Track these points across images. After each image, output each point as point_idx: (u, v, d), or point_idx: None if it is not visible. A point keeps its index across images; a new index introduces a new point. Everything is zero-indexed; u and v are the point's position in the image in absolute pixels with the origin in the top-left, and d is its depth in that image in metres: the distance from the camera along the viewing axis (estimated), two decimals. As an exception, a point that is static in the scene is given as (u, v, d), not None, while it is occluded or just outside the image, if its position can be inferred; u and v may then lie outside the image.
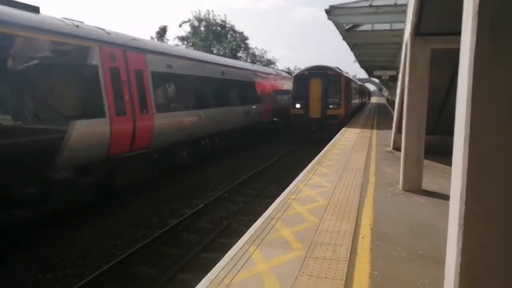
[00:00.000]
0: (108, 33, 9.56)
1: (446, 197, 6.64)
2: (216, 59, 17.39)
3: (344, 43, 20.57)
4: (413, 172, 7.11)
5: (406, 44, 8.00)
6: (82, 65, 8.41)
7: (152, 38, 43.75)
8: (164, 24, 49.83)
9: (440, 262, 4.05)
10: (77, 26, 8.64)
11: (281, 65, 67.54)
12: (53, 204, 7.89)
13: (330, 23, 15.12)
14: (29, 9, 7.67)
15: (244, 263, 4.04)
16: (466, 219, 2.08)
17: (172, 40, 46.10)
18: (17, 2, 7.54)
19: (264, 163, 15.10)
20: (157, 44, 16.72)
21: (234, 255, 4.24)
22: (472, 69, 2.05)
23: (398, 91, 11.66)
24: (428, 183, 7.38)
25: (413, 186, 7.01)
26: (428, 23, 6.87)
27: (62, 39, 7.91)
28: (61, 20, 8.45)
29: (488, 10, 1.97)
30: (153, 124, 10.54)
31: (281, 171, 13.96)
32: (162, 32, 42.26)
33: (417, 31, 7.02)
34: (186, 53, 14.89)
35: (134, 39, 10.72)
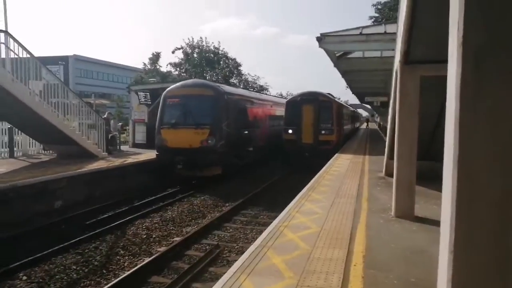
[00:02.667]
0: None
1: (438, 223, 6.58)
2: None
3: (336, 69, 21.01)
4: (405, 198, 7.10)
5: (396, 72, 8.15)
6: None
7: (145, 64, 44.36)
8: (158, 51, 50.65)
9: (433, 290, 4.01)
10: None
11: (273, 91, 68.41)
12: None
13: (322, 50, 15.48)
14: None
15: (234, 293, 3.95)
16: (456, 245, 2.07)
17: (165, 66, 46.75)
18: None
19: (256, 188, 15.02)
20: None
21: (224, 284, 4.14)
22: (458, 97, 2.09)
23: (389, 117, 11.81)
24: (420, 209, 7.36)
25: (406, 213, 6.99)
26: (417, 51, 7.03)
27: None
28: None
29: (473, 41, 2.03)
30: None
31: (277, 196, 13.87)
32: (155, 59, 42.86)
33: (406, 59, 7.17)
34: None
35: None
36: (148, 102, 20.47)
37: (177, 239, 9.24)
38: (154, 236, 9.56)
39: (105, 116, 18.66)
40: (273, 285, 4.15)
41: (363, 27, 15.73)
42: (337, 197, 8.70)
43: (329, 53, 16.79)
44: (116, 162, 14.93)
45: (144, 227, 10.19)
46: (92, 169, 13.15)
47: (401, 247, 5.42)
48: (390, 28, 14.36)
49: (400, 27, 7.44)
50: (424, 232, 6.17)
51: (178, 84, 16.62)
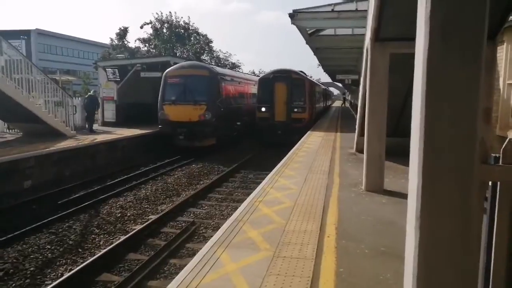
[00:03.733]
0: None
1: (406, 196, 6.88)
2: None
3: (308, 47, 21.04)
4: (375, 172, 7.38)
5: (367, 49, 8.31)
6: None
7: (112, 39, 42.92)
8: (125, 25, 48.99)
9: (400, 257, 4.23)
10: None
11: (246, 69, 67.90)
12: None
13: (294, 27, 15.45)
14: None
15: (212, 265, 4.07)
16: (422, 213, 2.22)
17: (133, 42, 45.38)
18: None
19: (230, 166, 15.16)
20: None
21: (201, 258, 4.24)
22: (425, 70, 2.19)
23: (360, 94, 12.05)
24: (389, 183, 7.67)
25: (375, 186, 7.27)
26: (387, 28, 7.17)
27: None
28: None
29: (439, 15, 2.13)
30: None
31: (248, 176, 14.05)
32: (123, 34, 41.49)
33: (376, 36, 7.32)
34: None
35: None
36: (117, 79, 19.95)
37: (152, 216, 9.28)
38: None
39: (91, 93, 18.39)
40: (250, 256, 4.29)
41: (335, 4, 15.74)
42: (310, 173, 8.92)
43: (302, 30, 16.78)
44: (86, 140, 14.61)
45: (118, 206, 10.16)
46: (60, 148, 12.83)
47: (371, 219, 5.68)
48: (361, 5, 14.44)
49: (371, 4, 7.54)
50: (393, 204, 6.46)
51: (177, 65, 18.65)
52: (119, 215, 9.57)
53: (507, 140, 2.46)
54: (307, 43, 19.48)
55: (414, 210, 2.30)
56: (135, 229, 8.38)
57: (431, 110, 2.19)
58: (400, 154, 9.76)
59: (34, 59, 52.44)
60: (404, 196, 6.86)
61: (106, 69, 19.70)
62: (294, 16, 14.43)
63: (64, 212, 9.29)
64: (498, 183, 2.41)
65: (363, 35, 13.18)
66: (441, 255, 2.23)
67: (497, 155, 2.44)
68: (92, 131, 17.71)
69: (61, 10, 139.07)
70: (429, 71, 2.18)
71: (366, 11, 11.85)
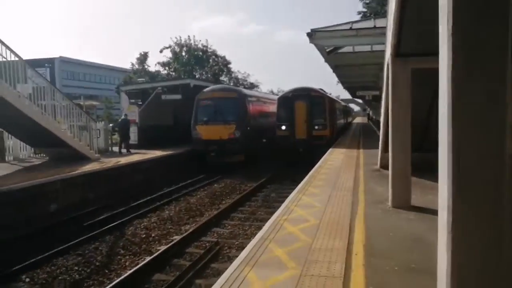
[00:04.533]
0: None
1: (434, 212, 6.74)
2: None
3: (327, 65, 21.14)
4: (401, 188, 7.25)
5: (388, 65, 8.29)
6: None
7: (133, 64, 44.19)
8: (145, 50, 50.38)
9: (430, 273, 4.11)
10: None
11: (264, 88, 68.50)
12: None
13: (312, 46, 15.60)
14: None
15: (240, 285, 4.04)
16: (453, 226, 2.18)
17: (153, 66, 46.54)
18: None
19: (251, 185, 15.20)
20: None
21: (229, 277, 4.23)
22: (450, 87, 2.20)
23: (382, 110, 11.95)
24: (416, 199, 7.49)
25: (402, 203, 7.13)
26: (407, 44, 7.16)
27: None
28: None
29: (461, 31, 2.14)
30: None
31: (271, 194, 14.03)
32: (143, 59, 42.65)
33: (397, 52, 7.31)
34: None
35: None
36: (139, 102, 20.44)
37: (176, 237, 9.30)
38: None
39: (123, 117, 19.27)
40: (277, 275, 4.25)
41: (353, 22, 15.89)
42: (334, 190, 8.83)
43: (320, 49, 16.92)
44: (109, 163, 14.92)
45: (142, 227, 10.27)
46: (85, 171, 13.14)
47: (399, 236, 5.56)
48: (379, 22, 14.52)
49: (390, 21, 7.56)
50: (421, 220, 6.31)
51: (208, 88, 20.52)
52: (144, 236, 9.66)
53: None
54: (326, 61, 19.60)
55: (445, 224, 2.27)
56: (159, 249, 8.43)
57: (458, 126, 2.19)
58: (427, 169, 9.60)
59: (58, 86, 54.35)
60: (432, 212, 6.72)
61: (128, 92, 20.21)
62: (312, 35, 14.60)
63: (90, 234, 9.43)
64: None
65: (382, 51, 13.16)
66: (474, 267, 2.18)
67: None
68: (129, 151, 18.67)
69: (83, 37, 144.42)
70: (454, 88, 2.18)
71: (384, 27, 11.88)
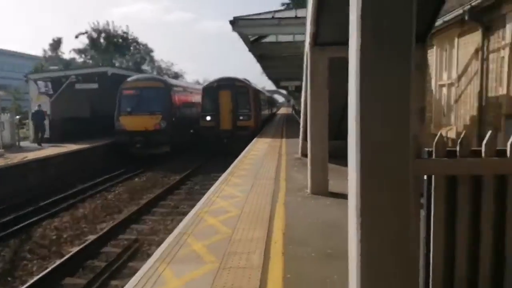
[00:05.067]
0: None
1: (350, 197, 7.08)
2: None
3: (251, 55, 21.17)
4: (319, 175, 7.44)
5: (307, 54, 8.43)
6: None
7: (45, 51, 40.73)
8: (59, 36, 46.50)
9: (346, 258, 4.23)
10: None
11: (189, 78, 67.22)
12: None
13: (237, 36, 15.45)
14: None
15: (154, 283, 3.78)
16: (362, 211, 2.17)
17: (68, 53, 43.26)
18: None
19: (174, 178, 14.78)
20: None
21: (142, 276, 3.95)
22: (359, 72, 2.19)
23: (302, 99, 12.25)
24: (334, 185, 7.68)
25: (320, 189, 7.32)
26: (324, 33, 7.31)
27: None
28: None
29: (369, 19, 2.13)
30: None
31: (194, 187, 13.75)
32: (56, 45, 39.38)
33: (315, 41, 7.43)
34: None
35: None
36: (50, 92, 18.74)
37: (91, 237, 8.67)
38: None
39: (37, 108, 17.83)
40: (195, 271, 4.06)
41: (275, 11, 15.98)
42: (256, 180, 8.83)
43: (243, 37, 16.81)
44: (15, 159, 13.51)
45: (53, 228, 9.43)
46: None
47: (317, 222, 5.66)
48: (300, 12, 14.76)
49: (309, 10, 7.67)
50: (337, 206, 6.50)
51: (133, 77, 19.93)
52: (54, 237, 8.88)
53: (438, 134, 2.50)
54: (249, 50, 19.56)
55: (354, 208, 2.26)
56: (71, 251, 7.78)
57: (365, 110, 2.19)
58: (343, 157, 10.05)
59: (-43, 75, 48.32)
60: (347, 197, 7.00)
61: (38, 81, 18.42)
62: (235, 23, 14.42)
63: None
64: (433, 176, 2.44)
65: (304, 41, 13.48)
66: (382, 251, 2.20)
67: (430, 149, 2.48)
68: (40, 145, 17.37)
69: None
70: (362, 73, 2.18)
71: (305, 17, 12.13)
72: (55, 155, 15.18)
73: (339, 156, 8.97)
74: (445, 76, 10.31)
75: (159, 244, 7.86)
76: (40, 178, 13.69)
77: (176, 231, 5.41)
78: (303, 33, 13.12)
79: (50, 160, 14.72)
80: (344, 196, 7.01)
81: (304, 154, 12.02)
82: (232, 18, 14.15)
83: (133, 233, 9.05)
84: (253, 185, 8.30)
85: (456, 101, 9.52)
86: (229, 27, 14.31)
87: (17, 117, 18.26)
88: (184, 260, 4.37)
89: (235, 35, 15.10)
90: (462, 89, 9.13)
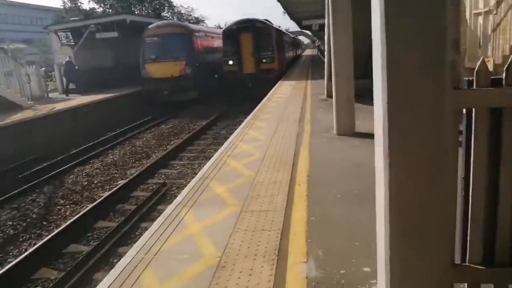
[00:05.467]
0: None
1: (378, 137, 6.78)
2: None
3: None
4: (345, 115, 7.13)
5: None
6: None
7: (64, 2, 40.39)
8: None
9: (373, 198, 4.07)
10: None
11: (211, 23, 65.44)
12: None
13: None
14: None
15: (176, 227, 3.78)
16: (391, 149, 1.94)
17: (87, 3, 42.62)
18: None
19: (202, 123, 14.79)
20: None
21: (164, 221, 3.95)
22: (383, 11, 1.84)
23: (325, 37, 11.60)
24: (361, 125, 7.39)
25: (347, 130, 7.05)
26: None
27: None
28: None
29: None
30: None
31: (221, 132, 13.73)
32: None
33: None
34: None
35: None
36: (71, 43, 18.63)
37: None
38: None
39: (67, 59, 18.13)
40: (216, 214, 4.02)
41: None
42: (280, 123, 8.62)
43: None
44: (44, 110, 13.76)
45: (84, 174, 9.72)
46: (15, 120, 12.03)
47: (343, 163, 5.48)
48: None
49: None
50: (364, 146, 6.26)
51: (154, 24, 19.50)
52: (86, 183, 9.17)
53: (480, 61, 2.15)
54: (269, -12, 18.56)
55: (382, 146, 2.02)
56: (102, 196, 8.02)
57: (391, 28, 1.86)
58: (371, 96, 9.63)
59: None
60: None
61: (58, 33, 18.26)
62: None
63: (26, 186, 8.79)
64: (474, 110, 2.13)
65: None
66: (412, 190, 1.98)
67: (470, 78, 2.15)
68: (67, 95, 18.00)
69: None
70: (386, 12, 1.83)
71: None
72: (83, 105, 15.38)
73: (365, 96, 8.63)
74: (481, 3, 9.37)
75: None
76: (70, 128, 13.98)
77: (198, 175, 5.38)
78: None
79: (78, 110, 14.93)
80: (371, 136, 6.75)
81: (330, 95, 11.61)
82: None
83: (161, 178, 9.19)
84: (276, 128, 8.11)
85: (494, 30, 8.68)
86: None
87: (43, 69, 18.34)
88: (206, 204, 4.33)
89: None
90: (502, 16, 8.29)
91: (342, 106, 7.08)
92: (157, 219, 4.05)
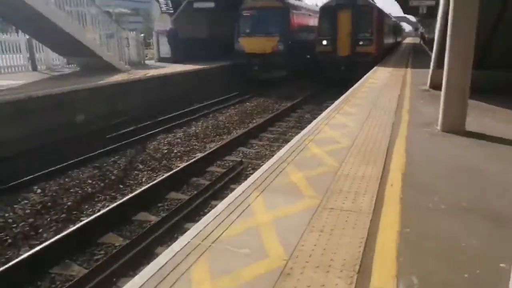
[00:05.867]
0: None
1: (494, 139, 5.56)
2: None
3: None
4: (455, 109, 6.00)
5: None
6: None
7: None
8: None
9: (490, 217, 3.19)
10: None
11: (310, 1, 63.70)
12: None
13: None
14: None
15: (241, 213, 3.30)
16: None
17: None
18: None
19: (286, 104, 14.26)
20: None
21: (230, 203, 3.49)
22: None
23: (438, 22, 10.12)
24: (472, 123, 6.20)
25: (455, 126, 5.93)
26: None
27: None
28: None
29: None
30: None
31: (305, 115, 13.08)
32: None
33: None
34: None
35: None
36: (170, 11, 19.05)
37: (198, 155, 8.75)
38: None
39: (171, 27, 19.12)
40: (289, 205, 3.45)
41: None
42: (373, 110, 7.70)
43: None
44: (138, 75, 14.27)
45: (166, 142, 9.80)
46: (110, 81, 12.59)
47: (449, 165, 4.51)
48: None
49: None
50: (477, 147, 5.18)
51: None
52: (166, 151, 9.21)
53: None
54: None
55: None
56: (179, 166, 7.93)
57: None
58: (487, 90, 8.19)
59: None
60: (490, 139, 5.55)
61: (159, 0, 18.79)
62: None
63: (110, 147, 9.08)
64: None
65: None
66: None
67: None
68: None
69: None
70: None
71: None
72: (174, 73, 15.71)
73: (479, 89, 7.27)
74: None
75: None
76: (159, 95, 14.37)
77: (274, 158, 4.84)
78: None
79: (169, 78, 15.29)
80: (484, 137, 5.62)
81: (434, 86, 10.23)
82: None
83: (238, 155, 8.90)
84: (369, 115, 7.23)
85: None
86: None
87: (142, 35, 19.11)
88: (280, 191, 3.78)
89: None
90: None
91: (453, 98, 5.95)
92: (223, 200, 3.62)
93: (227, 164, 8.28)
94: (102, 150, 8.81)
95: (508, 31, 8.69)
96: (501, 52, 9.22)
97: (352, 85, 11.62)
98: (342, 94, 10.64)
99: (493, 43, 9.32)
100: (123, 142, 9.50)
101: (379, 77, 13.09)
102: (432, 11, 22.31)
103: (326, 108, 9.69)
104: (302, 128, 10.65)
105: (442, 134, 5.87)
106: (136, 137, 9.98)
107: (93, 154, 8.52)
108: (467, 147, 5.22)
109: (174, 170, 7.58)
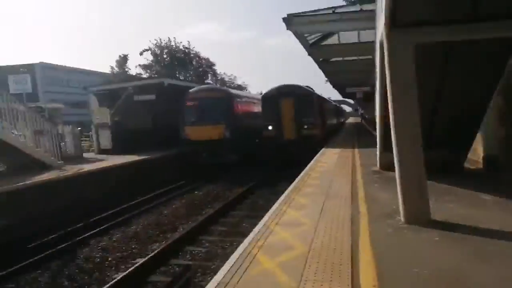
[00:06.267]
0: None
1: (465, 229, 4.85)
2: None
3: (316, 68, 19.66)
4: (415, 196, 5.45)
5: (381, 44, 6.50)
6: None
7: (112, 67, 42.70)
8: (124, 53, 48.36)
9: None
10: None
11: (253, 90, 67.09)
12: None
13: (300, 49, 13.84)
14: None
15: None
16: None
17: (134, 68, 44.98)
18: None
19: (237, 192, 13.53)
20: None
21: None
22: None
23: (377, 103, 10.16)
24: (434, 210, 5.57)
25: (419, 217, 5.31)
26: (408, 8, 5.40)
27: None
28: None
29: None
30: None
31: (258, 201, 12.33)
32: (122, 61, 40.94)
33: (393, 21, 5.48)
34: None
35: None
36: (109, 104, 18.71)
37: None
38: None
39: (116, 119, 18.72)
40: None
41: (336, 7, 14.06)
42: (327, 199, 7.04)
43: (300, 38, 15.07)
44: (70, 171, 13.00)
45: (99, 248, 8.48)
46: (36, 181, 11.23)
47: (428, 271, 3.71)
48: (366, 7, 12.77)
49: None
50: (451, 242, 4.49)
51: (195, 88, 19.86)
52: (99, 260, 7.89)
53: None
54: (309, 54, 17.92)
55: None
56: (114, 278, 6.67)
57: None
58: (436, 169, 7.87)
59: (41, 92, 51.91)
60: (462, 228, 4.97)
61: (97, 94, 18.37)
62: (290, 20, 12.76)
63: (29, 260, 7.64)
64: None
65: (372, 42, 11.34)
66: None
67: None
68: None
69: (64, 42, 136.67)
70: None
71: (372, 11, 10.08)
72: (113, 167, 14.60)
73: (428, 169, 6.80)
74: None
75: (215, 273, 6.50)
76: (94, 192, 13.03)
77: (213, 283, 3.80)
78: (370, 28, 10.99)
79: (108, 171, 14.13)
80: (456, 228, 4.74)
81: (384, 167, 9.97)
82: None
83: (186, 258, 7.81)
84: (323, 207, 6.53)
85: None
86: (291, 41, 12.77)
87: (78, 128, 18.18)
88: None
89: (299, 50, 13.59)
90: None
91: (411, 186, 5.44)
92: None
93: (172, 271, 7.15)
94: (20, 265, 7.37)
95: (449, 107, 8.67)
96: (447, 129, 9.19)
97: (300, 166, 11.21)
98: (292, 174, 10.09)
99: (436, 119, 9.34)
100: (47, 252, 8.08)
101: (328, 159, 12.82)
102: (367, 95, 23.71)
103: (280, 192, 9.03)
104: (257, 216, 9.69)
105: (407, 227, 5.17)
106: (64, 245, 8.60)
107: (8, 271, 7.09)
108: (440, 243, 4.51)
109: (106, 287, 6.29)
